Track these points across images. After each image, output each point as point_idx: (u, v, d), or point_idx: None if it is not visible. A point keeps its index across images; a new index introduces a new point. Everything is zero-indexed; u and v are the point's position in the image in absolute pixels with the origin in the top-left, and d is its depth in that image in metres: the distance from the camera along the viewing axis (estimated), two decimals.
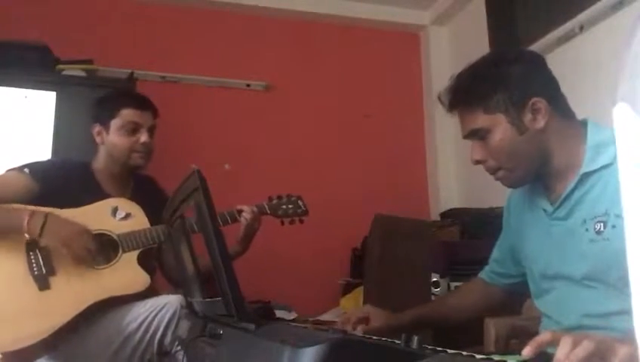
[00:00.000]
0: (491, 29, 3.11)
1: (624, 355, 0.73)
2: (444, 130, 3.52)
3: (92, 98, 2.61)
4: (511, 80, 1.16)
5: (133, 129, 1.80)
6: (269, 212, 1.92)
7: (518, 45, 2.76)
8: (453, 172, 3.55)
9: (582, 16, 2.46)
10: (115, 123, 1.80)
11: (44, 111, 2.59)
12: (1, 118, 2.55)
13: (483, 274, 1.49)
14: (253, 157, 3.33)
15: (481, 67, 1.22)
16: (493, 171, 1.21)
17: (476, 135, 1.19)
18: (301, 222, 2.00)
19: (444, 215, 3.13)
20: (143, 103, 1.85)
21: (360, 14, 3.61)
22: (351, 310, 1.42)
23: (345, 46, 3.65)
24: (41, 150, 2.51)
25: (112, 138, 1.81)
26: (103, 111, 1.84)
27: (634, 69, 0.32)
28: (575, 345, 0.74)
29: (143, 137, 1.80)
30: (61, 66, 2.71)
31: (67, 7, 3.11)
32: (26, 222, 1.56)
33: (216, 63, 3.37)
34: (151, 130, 1.84)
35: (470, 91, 1.19)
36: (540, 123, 1.15)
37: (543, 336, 0.79)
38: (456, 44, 3.65)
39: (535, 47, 2.67)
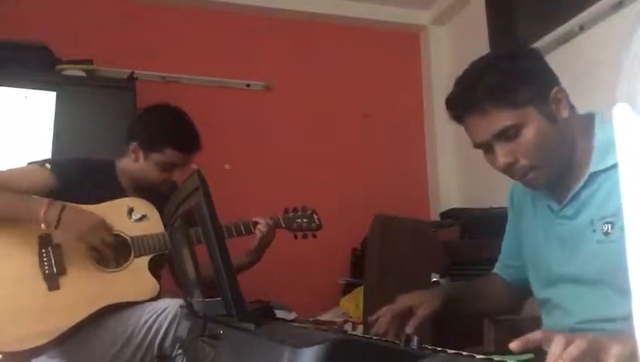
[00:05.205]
0: (491, 29, 3.11)
1: (617, 354, 0.73)
2: (444, 129, 3.52)
3: (92, 98, 2.64)
4: (532, 72, 1.12)
5: (170, 168, 1.77)
6: (283, 225, 1.90)
7: (518, 45, 2.75)
8: (453, 172, 3.56)
9: (582, 16, 2.47)
10: (155, 156, 1.76)
11: (44, 111, 2.59)
12: (1, 118, 2.55)
13: (498, 271, 1.43)
14: (253, 157, 3.32)
15: (498, 63, 1.15)
16: (525, 172, 1.12)
17: (505, 135, 1.09)
18: (314, 236, 1.96)
19: (444, 215, 3.13)
20: (190, 146, 1.80)
21: (360, 14, 3.61)
22: (382, 309, 1.26)
23: (344, 46, 3.65)
24: (41, 150, 2.50)
25: (147, 166, 1.77)
26: (149, 140, 1.77)
27: (633, 68, 0.32)
28: (568, 343, 0.73)
29: (176, 176, 1.77)
30: (61, 66, 2.71)
31: (67, 7, 3.10)
32: (43, 211, 1.55)
33: (216, 63, 3.37)
34: (185, 167, 1.80)
35: (494, 87, 1.09)
36: (565, 112, 1.12)
37: (533, 334, 0.79)
38: (456, 44, 3.65)
39: (535, 47, 2.67)
